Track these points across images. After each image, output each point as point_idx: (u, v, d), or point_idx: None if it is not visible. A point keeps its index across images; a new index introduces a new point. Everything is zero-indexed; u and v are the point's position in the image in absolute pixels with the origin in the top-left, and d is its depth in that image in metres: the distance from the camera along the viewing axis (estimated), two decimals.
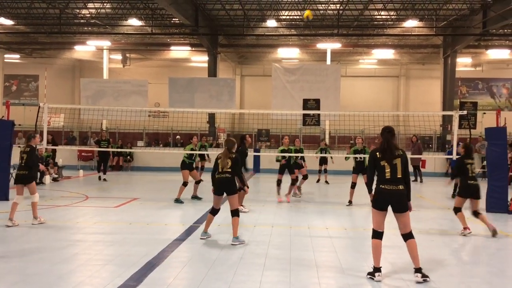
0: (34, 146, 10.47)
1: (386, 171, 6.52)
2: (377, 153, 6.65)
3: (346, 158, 14.61)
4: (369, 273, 6.62)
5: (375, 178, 6.80)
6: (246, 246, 8.28)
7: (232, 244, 8.37)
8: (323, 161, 20.17)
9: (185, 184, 13.70)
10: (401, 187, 6.52)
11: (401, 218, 6.55)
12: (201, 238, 8.79)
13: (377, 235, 6.61)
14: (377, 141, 10.27)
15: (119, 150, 24.03)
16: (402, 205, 6.52)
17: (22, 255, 7.37)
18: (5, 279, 6.26)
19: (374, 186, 6.82)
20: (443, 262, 7.55)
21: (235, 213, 8.61)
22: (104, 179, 19.24)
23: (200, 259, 7.48)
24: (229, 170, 8.64)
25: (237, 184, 8.96)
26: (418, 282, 6.36)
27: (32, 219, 9.97)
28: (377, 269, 6.55)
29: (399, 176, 6.52)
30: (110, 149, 20.15)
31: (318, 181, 20.29)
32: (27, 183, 9.95)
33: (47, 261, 7.10)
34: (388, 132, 6.70)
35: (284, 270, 6.89)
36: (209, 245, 8.37)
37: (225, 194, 8.70)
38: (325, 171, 20.26)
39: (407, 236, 6.56)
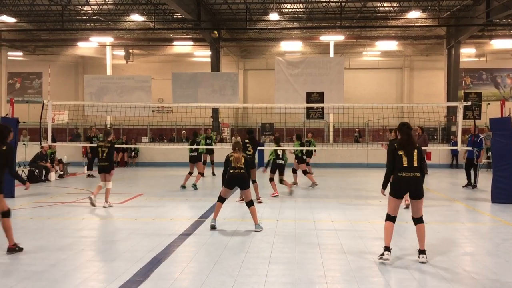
0: (113, 141, 12.41)
1: (404, 160, 6.98)
2: (396, 145, 7.13)
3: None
4: (380, 255, 7.01)
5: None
6: (251, 240, 8.29)
7: (256, 231, 8.95)
8: (308, 154, 18.45)
9: (202, 174, 15.63)
10: (418, 174, 7.00)
11: (416, 204, 7.09)
12: (211, 225, 9.17)
13: (391, 218, 7.12)
14: (390, 134, 10.51)
15: (124, 146, 24.05)
16: (418, 192, 7.01)
17: (29, 252, 7.40)
18: (13, 276, 6.30)
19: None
20: (449, 253, 7.55)
21: (250, 203, 9.23)
22: (92, 175, 19.15)
23: (206, 253, 7.50)
24: (243, 166, 9.20)
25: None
26: (422, 262, 6.87)
27: (104, 203, 11.81)
28: (386, 248, 6.96)
29: (416, 164, 6.99)
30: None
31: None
32: (108, 172, 12.04)
33: (53, 257, 7.13)
34: (407, 127, 7.17)
35: (289, 263, 6.90)
36: (215, 239, 8.39)
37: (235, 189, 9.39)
38: (307, 164, 18.35)
39: (418, 220, 7.10)
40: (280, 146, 14.10)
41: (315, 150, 18.75)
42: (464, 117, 15.58)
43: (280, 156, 13.89)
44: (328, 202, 13.06)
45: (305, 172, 16.08)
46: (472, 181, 15.72)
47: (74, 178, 19.13)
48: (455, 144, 20.01)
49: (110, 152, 12.01)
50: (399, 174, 7.00)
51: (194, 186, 15.09)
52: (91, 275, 6.36)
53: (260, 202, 12.54)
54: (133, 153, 25.58)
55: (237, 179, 9.17)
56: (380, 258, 6.94)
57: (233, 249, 7.69)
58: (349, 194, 14.51)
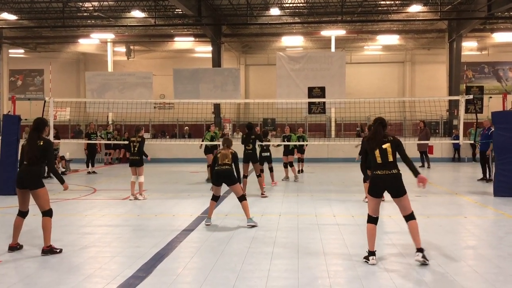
0: (144, 136, 12.94)
1: (377, 156, 6.64)
2: (367, 141, 6.90)
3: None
4: (364, 257, 6.73)
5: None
6: (254, 235, 8.30)
7: (248, 225, 8.93)
8: (300, 149, 18.45)
9: (207, 166, 15.64)
10: (394, 171, 6.59)
11: (400, 203, 6.68)
12: (206, 224, 9.14)
13: (372, 220, 6.75)
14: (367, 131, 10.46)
15: (125, 142, 24.03)
16: (398, 189, 6.60)
17: (32, 249, 7.42)
18: (16, 273, 6.32)
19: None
20: (451, 246, 7.54)
21: (241, 198, 9.21)
22: (94, 172, 19.32)
23: (208, 249, 7.52)
24: (229, 163, 9.18)
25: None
26: (418, 261, 6.46)
27: (138, 195, 12.48)
28: (371, 253, 6.66)
29: (390, 160, 6.61)
30: (97, 141, 20.24)
31: (299, 171, 18.68)
32: (138, 166, 12.52)
33: (57, 254, 7.15)
34: (379, 123, 6.83)
35: (292, 258, 6.92)
36: (217, 234, 8.41)
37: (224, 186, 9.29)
38: (301, 160, 18.95)
39: (408, 217, 6.66)
40: (268, 140, 15.00)
41: (306, 145, 18.77)
42: (466, 111, 15.55)
43: (265, 148, 14.68)
44: (330, 196, 13.07)
45: (291, 164, 16.62)
46: (488, 174, 15.63)
47: (77, 175, 19.16)
48: (457, 138, 19.99)
49: (140, 146, 12.54)
50: (374, 172, 6.66)
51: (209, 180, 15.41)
52: (94, 271, 6.38)
53: (265, 197, 12.66)
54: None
55: (222, 175, 9.16)
56: (365, 261, 6.65)
57: (236, 244, 7.71)
58: (351, 189, 14.50)
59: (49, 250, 7.17)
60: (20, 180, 7.32)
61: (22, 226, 7.47)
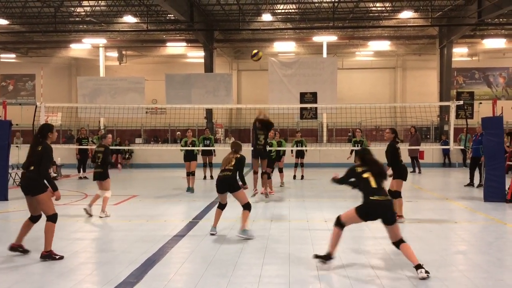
0: (108, 145, 11.10)
1: (371, 181, 6.57)
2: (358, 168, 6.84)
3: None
4: (319, 256, 6.72)
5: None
6: (245, 241, 8.30)
7: (239, 236, 8.44)
8: (299, 154, 18.62)
9: (187, 174, 14.92)
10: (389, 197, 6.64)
11: (391, 230, 6.53)
12: (211, 234, 8.74)
13: (342, 226, 6.73)
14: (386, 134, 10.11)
15: (117, 147, 24.00)
16: (391, 217, 6.50)
17: (23, 254, 7.38)
18: (6, 278, 6.29)
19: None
20: (441, 252, 7.59)
21: (245, 206, 8.65)
22: (85, 177, 19.18)
23: (200, 254, 7.52)
24: (231, 168, 8.64)
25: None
26: (423, 278, 6.15)
27: (100, 212, 10.71)
28: (329, 257, 6.67)
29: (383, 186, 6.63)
30: (89, 147, 20.04)
31: (294, 177, 18.79)
32: (103, 180, 10.86)
33: (55, 260, 7.11)
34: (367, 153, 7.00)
35: (283, 264, 6.93)
36: (208, 240, 8.40)
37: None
38: (302, 165, 18.82)
39: (399, 242, 6.48)
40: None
41: (306, 150, 18.84)
42: (457, 116, 15.66)
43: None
44: (322, 202, 13.10)
45: (280, 170, 16.46)
46: (479, 180, 15.67)
47: (68, 180, 19.10)
48: (446, 143, 20.11)
49: (104, 157, 10.79)
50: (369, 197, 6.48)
51: (189, 189, 15.03)
52: (85, 277, 6.36)
53: (272, 194, 13.39)
54: (127, 154, 25.55)
55: (223, 182, 8.62)
56: (321, 261, 6.67)
57: (227, 250, 7.71)
58: (343, 194, 14.53)
59: (48, 255, 7.09)
60: (21, 186, 7.30)
61: (29, 228, 7.39)
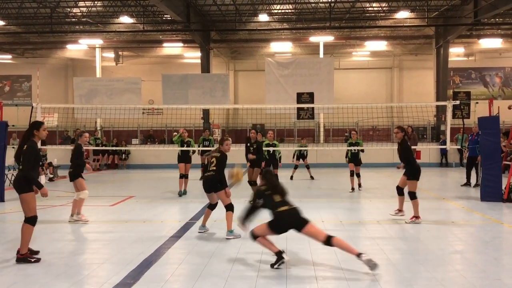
0: (81, 144, 10.45)
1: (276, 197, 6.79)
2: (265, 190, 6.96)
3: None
4: (275, 263, 6.70)
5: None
6: (242, 241, 8.29)
7: (226, 238, 8.48)
8: (303, 156, 19.20)
9: (180, 176, 14.32)
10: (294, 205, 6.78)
11: (309, 232, 6.65)
12: (199, 232, 8.93)
13: (254, 238, 6.88)
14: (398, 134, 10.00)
15: (114, 148, 23.99)
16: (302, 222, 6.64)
17: (37, 261, 7.33)
18: (4, 280, 6.27)
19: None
20: (439, 251, 7.60)
21: (228, 208, 8.66)
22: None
23: (197, 255, 7.50)
24: (214, 168, 8.62)
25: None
26: (368, 261, 6.29)
27: (70, 217, 10.19)
28: (280, 255, 6.73)
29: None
30: (85, 147, 19.95)
31: (291, 178, 18.79)
32: (71, 180, 10.20)
33: (44, 261, 7.09)
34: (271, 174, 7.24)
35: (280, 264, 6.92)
36: (205, 241, 8.40)
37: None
38: (307, 166, 19.13)
39: (328, 239, 6.55)
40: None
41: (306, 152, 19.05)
42: (453, 116, 15.69)
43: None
44: (319, 202, 13.09)
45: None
46: (476, 180, 15.65)
47: (64, 181, 19.03)
48: (444, 143, 20.13)
49: (73, 155, 10.16)
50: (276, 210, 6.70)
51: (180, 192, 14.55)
52: (82, 278, 6.35)
53: None
54: (123, 155, 25.52)
55: (206, 182, 8.71)
56: (278, 266, 6.66)
57: (224, 251, 7.70)
58: (340, 194, 14.56)
59: (23, 259, 6.98)
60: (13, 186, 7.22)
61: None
